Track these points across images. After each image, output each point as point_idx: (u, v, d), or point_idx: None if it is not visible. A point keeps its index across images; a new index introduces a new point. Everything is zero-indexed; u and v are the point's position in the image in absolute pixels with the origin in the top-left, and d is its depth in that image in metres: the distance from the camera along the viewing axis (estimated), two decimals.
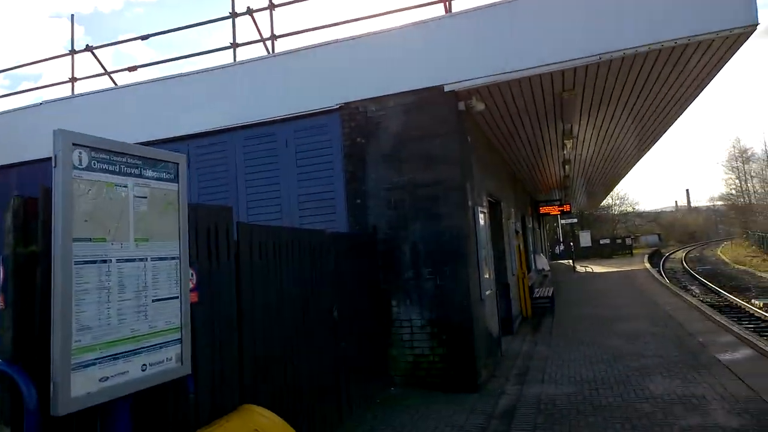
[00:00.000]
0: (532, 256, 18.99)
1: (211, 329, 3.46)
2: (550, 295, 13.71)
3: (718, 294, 20.22)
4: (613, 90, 7.41)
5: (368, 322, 6.38)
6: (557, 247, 45.51)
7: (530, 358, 8.31)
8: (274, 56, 8.18)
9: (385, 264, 6.99)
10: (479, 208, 7.70)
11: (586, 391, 6.13)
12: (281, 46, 10.11)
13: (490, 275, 8.21)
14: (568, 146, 11.23)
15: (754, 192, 59.10)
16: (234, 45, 8.99)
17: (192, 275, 3.40)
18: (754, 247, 43.92)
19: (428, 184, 6.87)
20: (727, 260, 39.33)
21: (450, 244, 6.72)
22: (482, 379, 6.80)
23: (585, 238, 45.62)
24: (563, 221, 45.16)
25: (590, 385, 6.34)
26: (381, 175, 7.12)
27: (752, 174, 59.68)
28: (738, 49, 5.84)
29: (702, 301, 17.07)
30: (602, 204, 57.80)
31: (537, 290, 15.35)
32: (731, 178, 63.25)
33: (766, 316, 14.35)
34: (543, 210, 24.52)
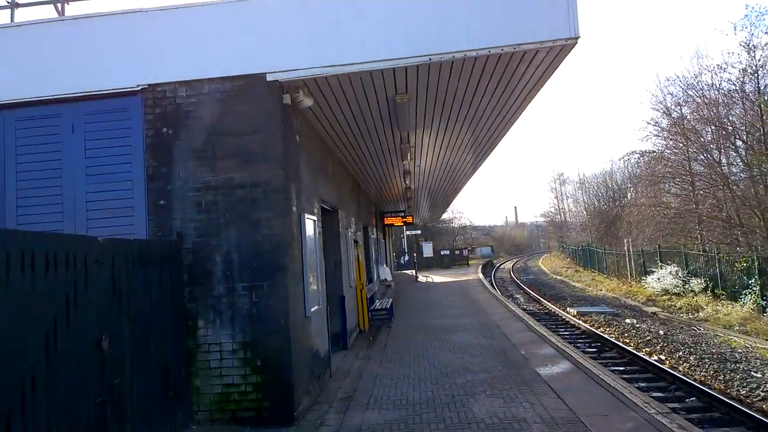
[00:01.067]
0: (374, 266, 18.94)
1: None
2: (388, 306, 13.55)
3: (539, 302, 22.06)
4: (445, 97, 7.26)
5: (164, 349, 5.24)
6: (402, 258, 47.05)
7: (360, 377, 7.78)
8: (63, 20, 6.64)
9: (193, 278, 5.90)
10: (307, 215, 6.99)
11: (410, 416, 5.71)
12: (74, 10, 8.42)
13: (320, 288, 7.54)
14: (408, 156, 11.13)
15: (569, 210, 67.70)
16: (13, 4, 7.24)
17: None
18: (568, 259, 49.85)
19: (246, 185, 5.97)
20: (546, 271, 44.03)
21: (269, 254, 5.88)
22: (302, 408, 6.04)
23: (428, 249, 47.97)
24: (408, 232, 47.07)
25: (414, 409, 5.95)
26: (191, 173, 6.04)
27: (567, 195, 68.45)
28: (561, 61, 5.96)
29: (525, 310, 18.41)
30: (444, 217, 61.52)
31: (378, 301, 15.17)
32: (551, 198, 71.96)
33: (578, 323, 15.71)
34: (387, 221, 24.84)
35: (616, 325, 15.56)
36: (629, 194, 47.78)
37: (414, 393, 6.65)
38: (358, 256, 12.48)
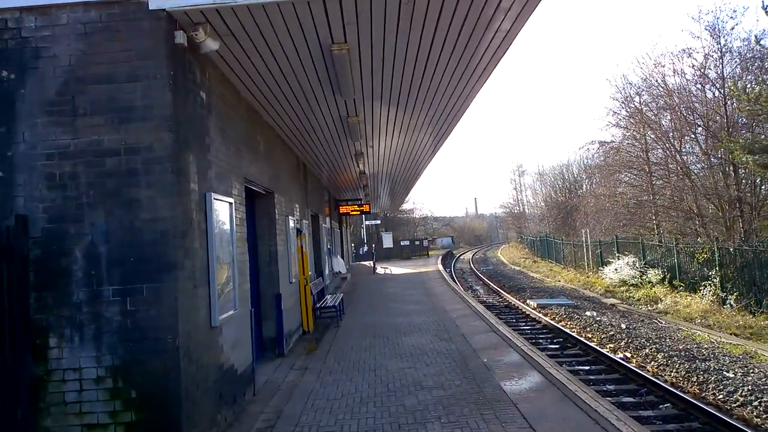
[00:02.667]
0: (326, 258, 17.44)
1: None
2: (337, 303, 12.10)
3: (499, 294, 21.11)
4: (395, 52, 5.79)
5: None
6: (361, 248, 45.69)
7: (290, 396, 6.31)
8: None
9: (42, 279, 4.27)
10: (217, 196, 5.42)
11: None
12: None
13: (237, 288, 6.01)
14: (358, 135, 9.65)
15: (528, 201, 67.93)
16: None
17: None
18: (526, 249, 49.59)
19: (120, 152, 4.36)
20: (505, 261, 43.54)
21: (152, 247, 4.31)
22: None
23: (387, 240, 46.87)
24: (368, 222, 45.72)
25: None
26: (41, 133, 4.38)
27: (526, 186, 68.67)
28: (534, 7, 4.62)
29: (485, 304, 17.35)
30: (405, 207, 60.47)
31: (330, 296, 13.71)
32: (510, 189, 72.30)
33: (539, 317, 14.80)
34: (343, 209, 23.29)
35: (577, 318, 14.75)
36: (584, 186, 47.96)
37: (351, 421, 5.23)
38: (301, 247, 10.97)
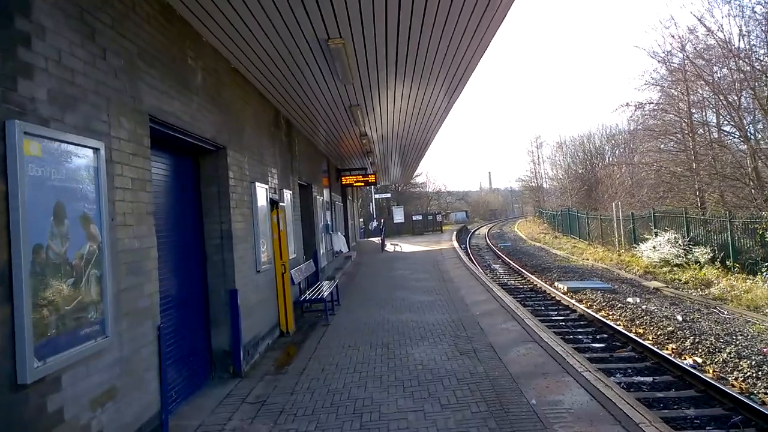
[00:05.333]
0: (322, 236, 14.92)
1: None
2: (326, 295, 9.56)
3: (521, 275, 18.64)
4: None
5: None
6: (371, 224, 43.26)
7: None
8: None
9: None
10: (38, 131, 2.80)
11: None
12: None
13: (107, 300, 3.48)
14: (346, 70, 6.97)
15: (546, 174, 64.69)
16: None
17: None
18: (545, 224, 46.67)
19: None
20: (524, 237, 40.84)
21: None
22: None
23: (399, 214, 44.55)
24: (377, 196, 43.17)
25: None
26: None
27: (545, 158, 65.43)
28: None
29: (507, 286, 14.87)
30: (418, 181, 57.70)
31: (325, 283, 11.25)
32: (528, 162, 69.18)
33: (573, 304, 12.36)
34: (345, 180, 20.60)
35: (620, 306, 12.30)
36: (607, 157, 44.78)
37: None
38: (277, 224, 8.42)
